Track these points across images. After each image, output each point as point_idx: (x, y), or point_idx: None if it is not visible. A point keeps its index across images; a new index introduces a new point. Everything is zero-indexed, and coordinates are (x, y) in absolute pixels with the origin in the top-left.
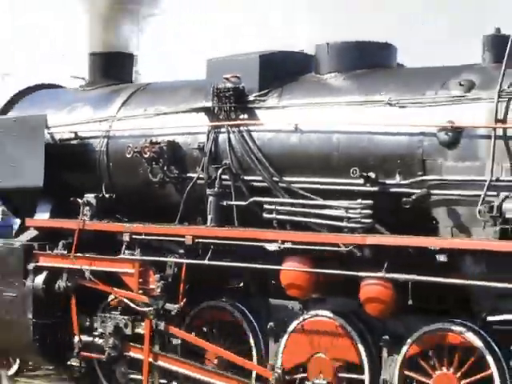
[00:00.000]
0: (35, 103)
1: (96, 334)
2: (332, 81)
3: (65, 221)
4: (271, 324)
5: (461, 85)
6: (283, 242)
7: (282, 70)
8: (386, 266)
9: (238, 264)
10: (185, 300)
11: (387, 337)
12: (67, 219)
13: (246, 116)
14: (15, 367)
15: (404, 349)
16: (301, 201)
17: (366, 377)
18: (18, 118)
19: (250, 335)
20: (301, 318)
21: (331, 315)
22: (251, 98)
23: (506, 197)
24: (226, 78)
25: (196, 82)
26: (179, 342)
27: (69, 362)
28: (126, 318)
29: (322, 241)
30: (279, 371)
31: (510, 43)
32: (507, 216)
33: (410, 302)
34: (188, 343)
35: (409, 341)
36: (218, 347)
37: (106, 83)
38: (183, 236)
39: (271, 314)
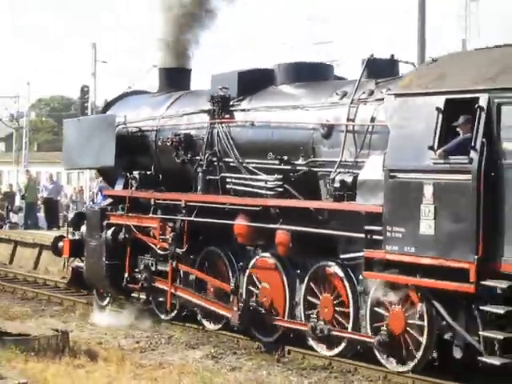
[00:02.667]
0: (122, 106)
1: (136, 271)
2: (280, 91)
3: (119, 191)
4: (240, 263)
5: (337, 94)
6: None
7: (256, 82)
8: (281, 220)
9: (209, 220)
10: (187, 246)
11: (298, 271)
12: (123, 189)
13: (228, 116)
14: (107, 299)
15: (305, 279)
16: (240, 175)
17: (287, 298)
18: (99, 117)
19: (230, 271)
20: (254, 259)
21: (268, 255)
22: (232, 103)
23: (339, 172)
24: (220, 88)
25: (208, 90)
26: (194, 277)
27: (132, 295)
28: (151, 258)
29: (243, 203)
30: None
31: (364, 65)
32: (335, 185)
33: (291, 245)
34: (198, 278)
35: (307, 274)
36: (210, 277)
37: (167, 90)
38: (180, 200)
39: (245, 255)
